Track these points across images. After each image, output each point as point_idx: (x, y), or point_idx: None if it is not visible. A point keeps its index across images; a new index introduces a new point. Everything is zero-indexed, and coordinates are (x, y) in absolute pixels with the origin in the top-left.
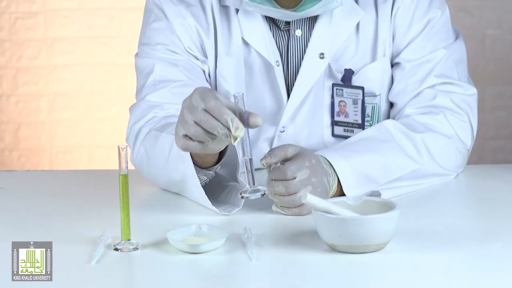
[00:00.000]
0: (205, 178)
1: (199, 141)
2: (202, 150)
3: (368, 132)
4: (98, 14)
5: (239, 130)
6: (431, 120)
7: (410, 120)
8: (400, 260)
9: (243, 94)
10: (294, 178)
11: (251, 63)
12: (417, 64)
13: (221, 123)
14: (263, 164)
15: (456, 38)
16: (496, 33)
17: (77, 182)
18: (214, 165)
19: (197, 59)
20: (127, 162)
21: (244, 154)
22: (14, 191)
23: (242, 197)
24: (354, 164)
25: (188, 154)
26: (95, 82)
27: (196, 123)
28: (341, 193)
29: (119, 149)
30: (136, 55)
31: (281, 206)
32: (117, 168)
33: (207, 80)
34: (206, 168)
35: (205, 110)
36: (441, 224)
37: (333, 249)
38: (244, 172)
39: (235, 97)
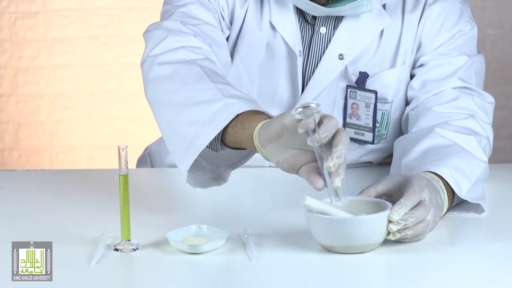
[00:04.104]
0: (208, 148)
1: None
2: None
3: (426, 144)
4: (98, 14)
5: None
6: (469, 124)
7: (451, 124)
8: (398, 260)
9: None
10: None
11: (274, 48)
12: (439, 64)
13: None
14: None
15: (479, 54)
16: (497, 33)
17: (77, 182)
18: (237, 148)
19: (224, 20)
20: (127, 162)
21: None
22: (14, 191)
23: None
24: (451, 166)
25: (223, 126)
26: (95, 82)
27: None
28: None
29: (119, 149)
30: None
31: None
32: (117, 168)
33: None
34: (225, 143)
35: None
36: (441, 224)
37: (330, 250)
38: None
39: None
